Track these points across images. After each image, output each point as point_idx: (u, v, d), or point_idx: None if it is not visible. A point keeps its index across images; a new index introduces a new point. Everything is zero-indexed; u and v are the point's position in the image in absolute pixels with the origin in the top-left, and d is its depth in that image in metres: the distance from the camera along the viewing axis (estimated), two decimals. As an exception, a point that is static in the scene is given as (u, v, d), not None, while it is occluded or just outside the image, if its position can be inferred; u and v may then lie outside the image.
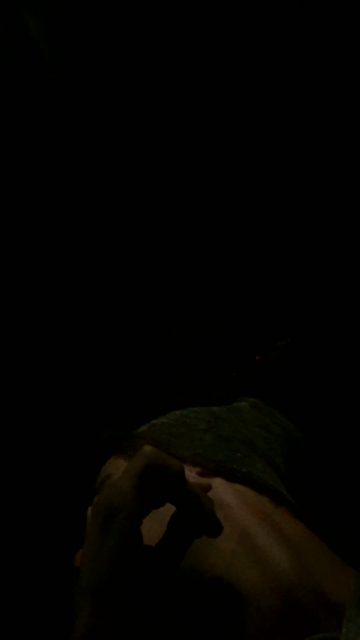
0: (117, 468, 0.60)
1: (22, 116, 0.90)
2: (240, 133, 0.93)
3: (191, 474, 0.58)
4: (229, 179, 0.95)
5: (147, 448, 0.41)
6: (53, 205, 0.93)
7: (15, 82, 0.88)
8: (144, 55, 0.91)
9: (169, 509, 0.43)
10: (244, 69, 0.91)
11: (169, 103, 0.92)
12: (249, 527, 0.51)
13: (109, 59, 0.91)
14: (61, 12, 0.88)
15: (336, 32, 0.87)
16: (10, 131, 0.90)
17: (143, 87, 0.92)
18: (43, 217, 0.93)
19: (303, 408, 0.78)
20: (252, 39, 0.90)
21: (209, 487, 0.49)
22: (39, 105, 0.90)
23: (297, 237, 0.95)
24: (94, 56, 0.91)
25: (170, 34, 0.90)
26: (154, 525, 0.46)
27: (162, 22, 0.89)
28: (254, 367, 0.86)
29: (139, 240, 0.95)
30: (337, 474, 0.77)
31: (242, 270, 0.95)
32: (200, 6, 0.89)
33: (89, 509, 0.45)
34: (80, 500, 0.56)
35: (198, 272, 0.96)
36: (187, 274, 0.96)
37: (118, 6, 0.88)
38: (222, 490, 0.56)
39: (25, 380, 0.91)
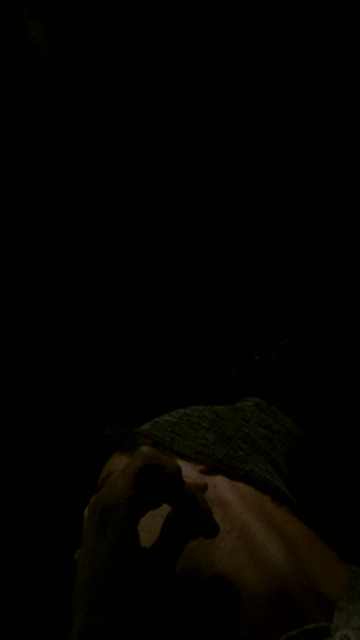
0: (120, 465, 0.60)
1: (22, 116, 0.90)
2: (240, 132, 0.93)
3: (194, 471, 0.59)
4: (228, 181, 0.95)
5: (144, 448, 0.41)
6: (53, 205, 0.94)
7: (15, 82, 0.88)
8: (143, 55, 0.91)
9: (167, 509, 0.43)
10: (243, 69, 0.91)
11: (169, 102, 0.92)
12: (248, 524, 0.52)
13: (108, 58, 0.91)
14: (61, 12, 0.88)
15: (336, 32, 0.87)
16: (11, 131, 0.90)
17: (143, 87, 0.92)
18: (43, 218, 0.93)
19: (302, 408, 0.78)
20: (252, 38, 0.89)
21: (205, 488, 0.49)
22: (39, 105, 0.90)
23: (296, 237, 0.95)
24: (94, 56, 0.91)
25: (170, 34, 0.90)
26: (152, 525, 0.46)
27: (162, 21, 0.89)
28: (253, 367, 0.87)
29: (138, 242, 0.96)
30: (337, 473, 0.77)
31: (242, 271, 0.95)
32: (200, 6, 0.89)
33: (86, 508, 0.45)
34: (83, 497, 0.56)
35: (198, 272, 0.96)
36: (187, 274, 0.96)
37: (118, 6, 0.88)
38: (223, 488, 0.56)
39: (27, 379, 0.91)
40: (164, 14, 0.88)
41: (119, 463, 0.62)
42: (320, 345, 0.88)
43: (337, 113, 0.91)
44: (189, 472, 0.58)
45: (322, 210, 0.94)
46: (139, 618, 0.39)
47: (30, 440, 0.87)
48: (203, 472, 0.59)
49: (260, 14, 0.88)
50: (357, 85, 0.89)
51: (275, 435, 0.67)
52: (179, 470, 0.41)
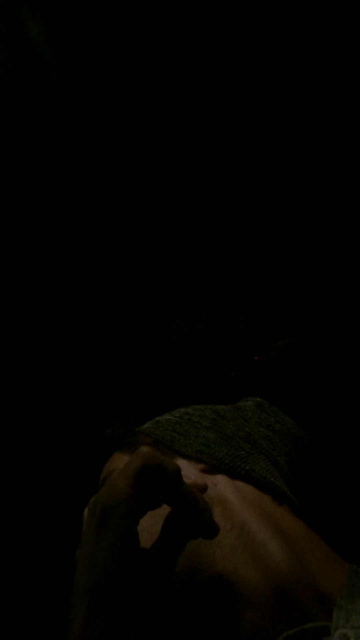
0: (121, 465, 0.60)
1: (22, 116, 0.90)
2: (239, 133, 0.93)
3: (194, 470, 0.59)
4: (228, 181, 0.95)
5: (144, 448, 0.41)
6: (53, 205, 0.94)
7: (15, 82, 0.88)
8: (143, 55, 0.91)
9: (167, 509, 0.43)
10: (243, 70, 0.91)
11: (169, 103, 0.93)
12: (248, 523, 0.52)
13: (108, 58, 0.91)
14: (61, 12, 0.88)
15: (336, 32, 0.87)
16: (11, 131, 0.90)
17: (143, 87, 0.92)
18: (43, 218, 0.93)
19: (302, 408, 0.78)
20: (252, 38, 0.89)
21: (205, 487, 0.49)
22: (39, 105, 0.90)
23: (296, 237, 0.95)
24: (94, 56, 0.91)
25: (170, 34, 0.90)
26: (152, 525, 0.46)
27: (162, 22, 0.89)
28: (253, 367, 0.87)
29: (138, 242, 0.96)
30: (337, 473, 0.78)
31: (242, 271, 0.95)
32: (200, 6, 0.89)
33: (86, 508, 0.45)
34: (83, 497, 0.56)
35: (198, 272, 0.96)
36: (187, 274, 0.96)
37: (118, 6, 0.88)
38: (223, 487, 0.56)
39: (27, 379, 0.91)
40: (164, 14, 0.89)
41: (119, 462, 0.62)
42: (320, 345, 0.88)
43: (337, 113, 0.91)
44: (190, 471, 0.58)
45: (321, 210, 0.94)
46: (139, 618, 0.39)
47: (30, 440, 0.87)
48: (204, 471, 0.59)
49: (260, 13, 0.88)
50: (357, 85, 0.89)
51: (276, 435, 0.67)
52: (179, 470, 0.41)
